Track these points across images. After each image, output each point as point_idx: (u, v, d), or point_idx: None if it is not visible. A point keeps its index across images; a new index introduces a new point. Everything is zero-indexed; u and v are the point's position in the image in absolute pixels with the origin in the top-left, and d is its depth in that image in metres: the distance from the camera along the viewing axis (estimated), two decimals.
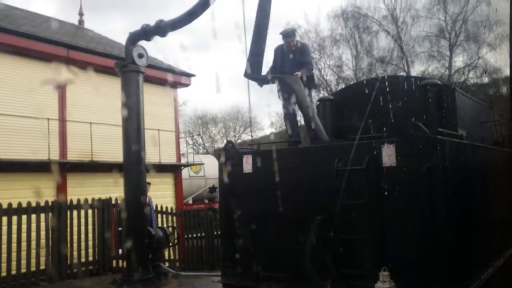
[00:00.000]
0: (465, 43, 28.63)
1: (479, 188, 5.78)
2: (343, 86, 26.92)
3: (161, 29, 8.17)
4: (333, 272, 4.69)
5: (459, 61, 29.51)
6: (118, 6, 70.20)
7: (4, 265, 9.12)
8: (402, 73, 28.34)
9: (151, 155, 14.14)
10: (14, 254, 9.18)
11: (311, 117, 6.10)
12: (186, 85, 17.58)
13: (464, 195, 5.00)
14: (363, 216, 4.62)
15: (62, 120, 13.14)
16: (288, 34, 6.77)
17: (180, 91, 18.04)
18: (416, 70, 29.72)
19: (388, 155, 4.63)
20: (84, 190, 12.53)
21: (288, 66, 6.70)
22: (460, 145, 5.32)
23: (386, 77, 7.42)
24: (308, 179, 5.13)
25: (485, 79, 28.61)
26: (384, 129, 5.34)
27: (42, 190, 11.72)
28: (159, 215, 11.99)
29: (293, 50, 6.78)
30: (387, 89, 6.29)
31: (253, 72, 6.53)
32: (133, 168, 8.05)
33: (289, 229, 5.13)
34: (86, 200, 10.63)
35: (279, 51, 6.91)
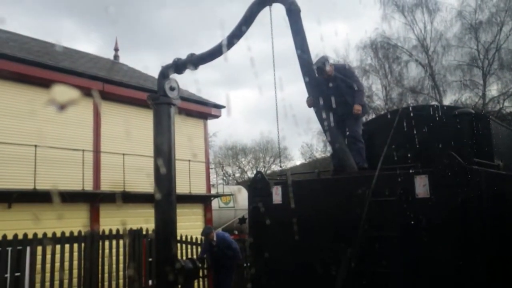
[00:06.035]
0: (499, 71, 28.01)
1: None
2: (373, 116, 26.69)
3: (192, 62, 8.37)
4: None
5: (493, 89, 28.86)
6: (152, 46, 73.08)
7: None
8: (434, 103, 27.91)
9: (182, 186, 14.27)
10: (47, 284, 9.31)
11: (339, 147, 6.03)
12: (217, 116, 17.82)
13: (501, 229, 4.80)
14: (395, 248, 4.49)
15: (96, 152, 13.50)
16: (321, 69, 6.38)
17: (211, 122, 18.31)
18: (448, 99, 29.25)
19: (421, 185, 4.52)
20: (116, 220, 12.72)
21: (332, 93, 6.34)
22: (496, 176, 5.15)
23: (417, 106, 7.31)
24: (337, 210, 5.06)
25: None
26: (417, 159, 5.24)
27: (76, 220, 11.96)
28: (188, 246, 11.98)
29: (333, 76, 6.49)
30: (419, 119, 6.20)
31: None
32: (164, 199, 8.12)
33: (320, 261, 5.03)
34: (117, 230, 10.76)
35: (321, 81, 6.52)
